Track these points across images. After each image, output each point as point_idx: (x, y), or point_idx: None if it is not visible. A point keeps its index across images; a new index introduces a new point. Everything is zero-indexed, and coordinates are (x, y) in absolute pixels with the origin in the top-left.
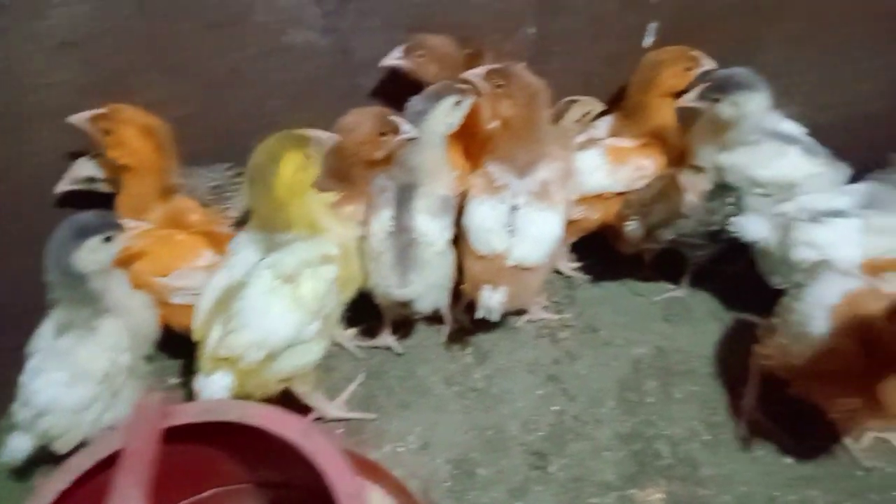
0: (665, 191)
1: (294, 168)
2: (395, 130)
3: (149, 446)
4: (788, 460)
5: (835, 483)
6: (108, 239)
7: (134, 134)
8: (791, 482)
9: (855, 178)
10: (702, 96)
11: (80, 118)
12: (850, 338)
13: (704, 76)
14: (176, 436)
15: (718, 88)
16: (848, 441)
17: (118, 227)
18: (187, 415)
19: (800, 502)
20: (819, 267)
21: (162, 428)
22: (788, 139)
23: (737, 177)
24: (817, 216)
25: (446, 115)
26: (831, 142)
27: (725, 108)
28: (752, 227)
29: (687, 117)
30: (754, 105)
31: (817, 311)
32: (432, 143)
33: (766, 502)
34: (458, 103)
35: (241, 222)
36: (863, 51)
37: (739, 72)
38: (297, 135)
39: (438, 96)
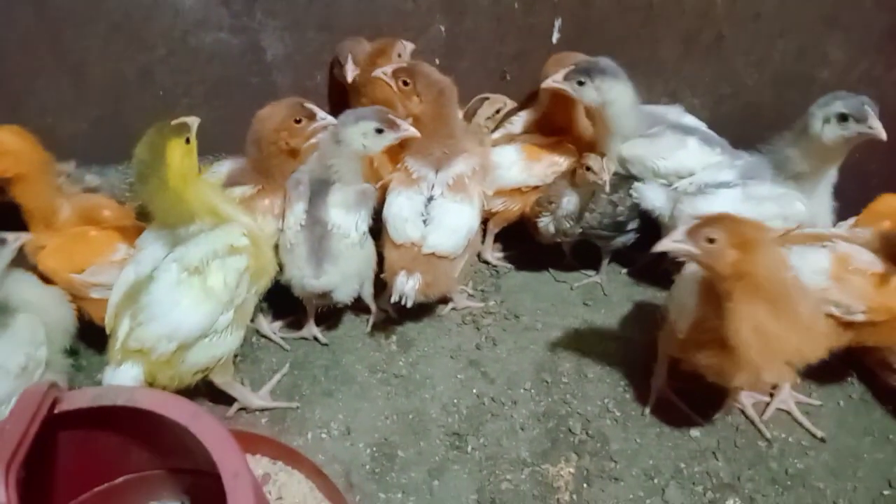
0: (570, 186)
1: (180, 155)
2: (311, 117)
3: (25, 429)
4: (693, 434)
5: (737, 453)
6: None
7: (10, 140)
8: (696, 454)
9: None
10: (566, 79)
11: None
12: (709, 303)
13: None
14: (80, 424)
15: (583, 72)
16: (751, 413)
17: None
18: (78, 401)
19: (704, 472)
20: None
21: (52, 413)
22: (687, 130)
23: (639, 168)
24: (704, 188)
25: (363, 136)
26: (729, 130)
27: (589, 92)
28: (650, 194)
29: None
30: (616, 93)
31: (691, 283)
32: (348, 155)
33: (672, 473)
34: (379, 131)
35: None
36: (746, 46)
37: (604, 60)
38: (171, 125)
39: (361, 117)
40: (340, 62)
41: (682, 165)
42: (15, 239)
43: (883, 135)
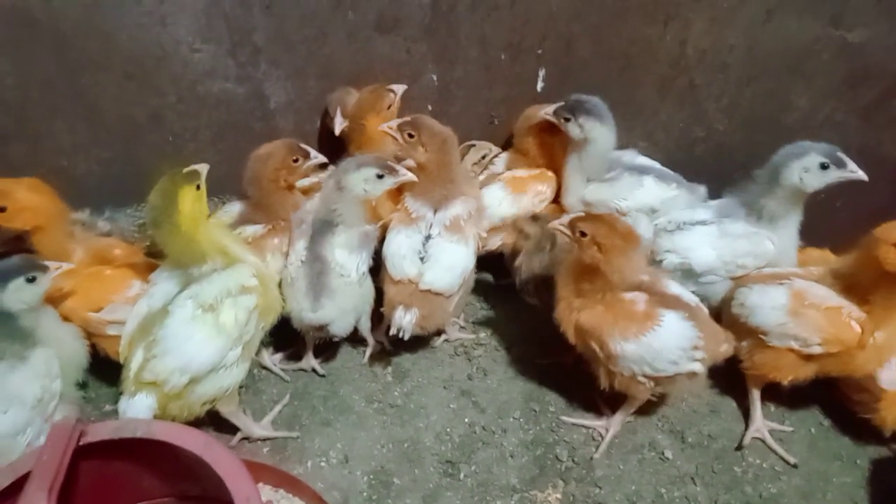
0: (540, 245)
1: (191, 200)
2: (306, 156)
3: (60, 459)
4: (673, 461)
5: (714, 479)
6: (31, 279)
7: (28, 196)
8: (675, 479)
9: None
10: (555, 113)
11: None
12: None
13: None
14: (99, 454)
15: (569, 109)
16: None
17: (42, 268)
18: (101, 433)
19: (683, 496)
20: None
21: (77, 444)
22: (643, 170)
23: (602, 209)
24: (681, 225)
25: (365, 182)
26: (703, 170)
27: (573, 128)
28: (640, 226)
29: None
30: (596, 133)
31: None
32: (350, 199)
33: (653, 498)
34: (380, 176)
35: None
36: (716, 93)
37: (593, 101)
38: (182, 172)
39: (362, 164)
40: (330, 114)
41: (643, 203)
42: (57, 267)
43: (864, 176)
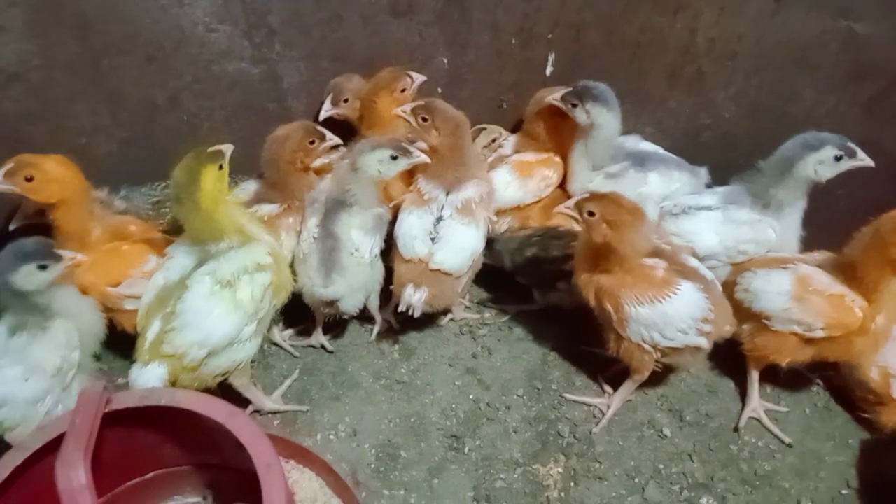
0: (545, 245)
1: (213, 179)
2: (322, 137)
3: (92, 423)
4: (671, 438)
5: (711, 456)
6: (43, 266)
7: (56, 169)
8: (673, 456)
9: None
10: (563, 99)
11: None
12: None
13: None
14: (119, 422)
15: (577, 95)
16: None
17: (55, 257)
18: (126, 401)
19: (681, 473)
20: None
21: (104, 411)
22: (646, 159)
23: None
24: (687, 209)
25: (379, 163)
26: (709, 156)
27: (580, 114)
28: (648, 209)
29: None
30: (602, 119)
31: None
32: (365, 180)
33: (652, 473)
34: (394, 158)
35: (176, 230)
36: (724, 82)
37: (601, 87)
38: (207, 151)
39: (377, 146)
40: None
41: (648, 198)
42: (71, 258)
43: (872, 162)
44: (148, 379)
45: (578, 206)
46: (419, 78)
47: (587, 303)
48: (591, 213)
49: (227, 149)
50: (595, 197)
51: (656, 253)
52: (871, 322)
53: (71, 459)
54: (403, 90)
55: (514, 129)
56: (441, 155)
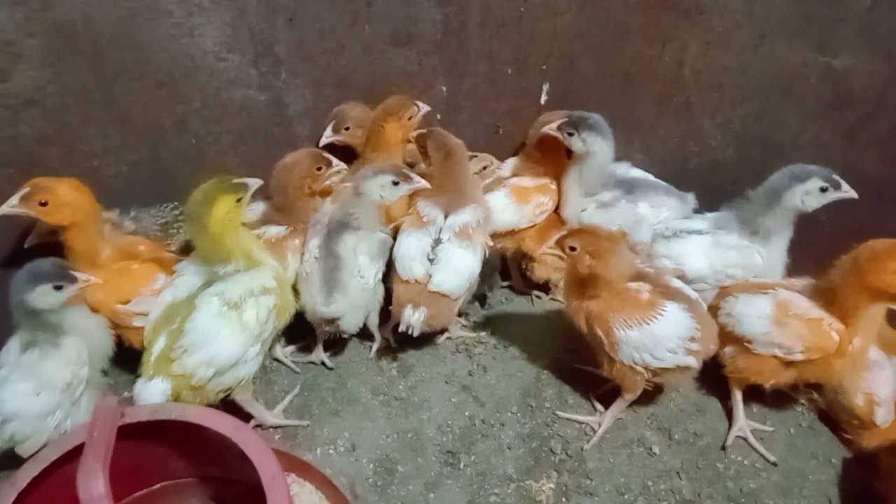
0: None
1: (225, 210)
2: (329, 164)
3: (109, 436)
4: (660, 456)
5: (698, 473)
6: (59, 287)
7: (69, 193)
8: (662, 473)
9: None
10: (559, 128)
11: (8, 207)
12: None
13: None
14: (129, 434)
15: (573, 124)
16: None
17: (70, 279)
18: (138, 414)
19: (669, 490)
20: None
21: (117, 425)
22: (636, 190)
23: None
24: (678, 233)
25: (381, 188)
26: (696, 183)
27: (576, 142)
28: (641, 232)
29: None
30: (598, 147)
31: None
32: (367, 204)
33: (641, 490)
34: (395, 183)
35: (184, 250)
36: (711, 110)
37: (595, 117)
38: (231, 182)
39: (379, 171)
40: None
41: (642, 223)
42: (85, 280)
43: (855, 195)
44: (152, 393)
45: (559, 243)
46: (424, 108)
47: (580, 329)
48: (573, 248)
49: (254, 183)
50: (573, 232)
51: (640, 276)
52: (848, 344)
53: (91, 470)
54: (410, 118)
55: (511, 155)
56: (433, 181)
